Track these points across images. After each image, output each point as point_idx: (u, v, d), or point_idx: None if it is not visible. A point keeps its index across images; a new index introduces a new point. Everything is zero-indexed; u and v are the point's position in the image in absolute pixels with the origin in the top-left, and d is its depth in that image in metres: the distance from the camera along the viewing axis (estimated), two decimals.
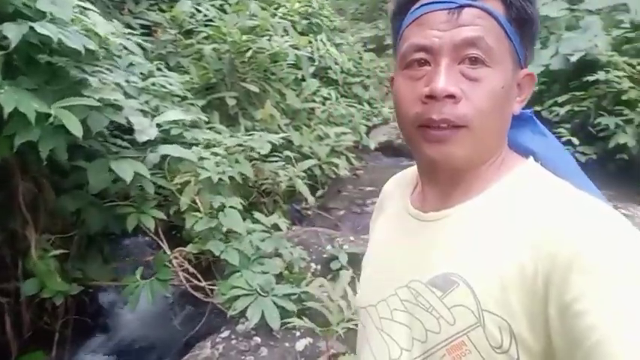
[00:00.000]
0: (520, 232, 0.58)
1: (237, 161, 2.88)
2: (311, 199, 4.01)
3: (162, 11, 4.57)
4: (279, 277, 2.59)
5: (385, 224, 0.81)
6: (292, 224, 3.35)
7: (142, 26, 4.17)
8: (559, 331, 0.51)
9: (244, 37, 4.07)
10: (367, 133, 6.29)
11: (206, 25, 4.54)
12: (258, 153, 3.05)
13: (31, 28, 2.01)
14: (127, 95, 2.60)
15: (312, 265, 2.88)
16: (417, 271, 0.65)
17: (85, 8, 2.48)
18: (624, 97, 5.05)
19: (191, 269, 2.67)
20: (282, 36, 4.84)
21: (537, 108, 5.40)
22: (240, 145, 3.01)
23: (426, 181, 0.72)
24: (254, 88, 4.33)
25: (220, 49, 4.33)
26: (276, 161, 3.31)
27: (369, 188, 4.91)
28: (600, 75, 5.04)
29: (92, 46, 2.28)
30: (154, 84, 2.94)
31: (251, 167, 2.93)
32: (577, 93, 5.30)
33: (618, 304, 0.48)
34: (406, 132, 0.65)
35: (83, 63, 2.35)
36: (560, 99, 5.40)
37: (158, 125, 2.62)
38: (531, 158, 0.68)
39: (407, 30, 0.65)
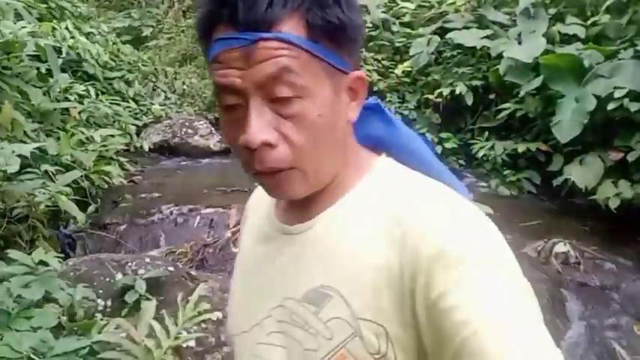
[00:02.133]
0: (382, 233, 0.57)
1: None
2: (81, 218, 3.34)
3: None
4: (59, 329, 1.99)
5: (251, 240, 0.75)
6: (65, 256, 2.67)
7: None
8: (427, 328, 0.51)
9: None
10: (138, 134, 5.69)
11: None
12: (3, 172, 2.31)
13: None
14: None
15: (100, 302, 2.33)
16: (290, 287, 0.62)
17: None
18: (375, 89, 5.78)
19: None
20: (16, 21, 3.89)
21: None
22: None
23: None
24: None
25: None
26: (31, 179, 2.57)
27: (151, 195, 4.37)
28: None
29: None
30: None
31: None
32: None
33: (485, 297, 0.49)
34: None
35: None
36: None
37: None
38: (384, 155, 0.67)
39: (211, 63, 0.59)
